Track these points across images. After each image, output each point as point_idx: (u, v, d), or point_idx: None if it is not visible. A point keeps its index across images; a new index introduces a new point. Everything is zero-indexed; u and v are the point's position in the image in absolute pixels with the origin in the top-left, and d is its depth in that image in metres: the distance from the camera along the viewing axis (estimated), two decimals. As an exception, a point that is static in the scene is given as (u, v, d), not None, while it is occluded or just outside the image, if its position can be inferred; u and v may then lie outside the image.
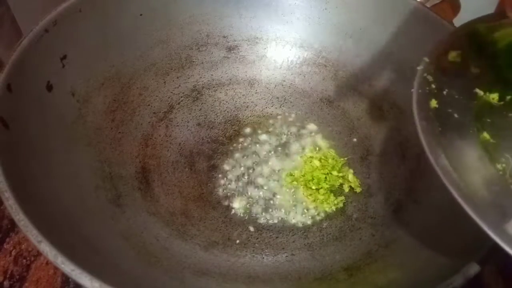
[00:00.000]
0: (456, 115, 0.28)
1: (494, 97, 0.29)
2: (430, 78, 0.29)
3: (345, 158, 0.42)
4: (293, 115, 0.46)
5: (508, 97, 0.29)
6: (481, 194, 0.24)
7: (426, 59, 0.30)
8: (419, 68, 0.30)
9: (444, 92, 0.28)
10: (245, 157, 0.42)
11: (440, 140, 0.26)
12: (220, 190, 0.40)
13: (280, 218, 0.39)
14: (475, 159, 0.26)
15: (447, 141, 0.26)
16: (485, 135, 0.27)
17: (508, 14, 0.30)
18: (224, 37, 0.48)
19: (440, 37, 0.40)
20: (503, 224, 0.22)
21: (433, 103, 0.28)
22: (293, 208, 0.39)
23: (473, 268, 0.27)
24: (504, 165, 0.26)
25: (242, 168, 0.42)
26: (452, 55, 0.30)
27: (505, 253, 0.22)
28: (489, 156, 0.26)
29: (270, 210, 0.39)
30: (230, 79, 0.47)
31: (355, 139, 0.44)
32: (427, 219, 0.36)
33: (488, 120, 0.28)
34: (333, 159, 0.42)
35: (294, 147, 0.43)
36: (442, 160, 0.25)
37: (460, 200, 0.23)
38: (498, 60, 0.30)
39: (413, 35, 0.42)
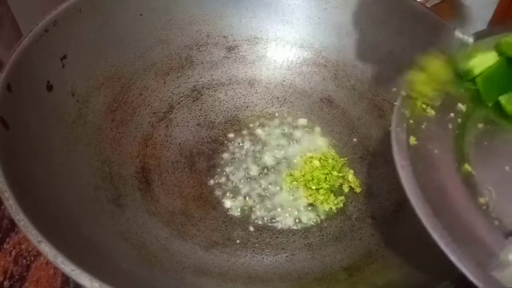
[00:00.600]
0: (436, 151, 0.27)
1: (473, 125, 0.29)
2: (407, 113, 0.28)
3: (345, 158, 0.42)
4: (293, 115, 0.46)
5: (488, 125, 0.29)
6: (464, 235, 0.23)
7: (403, 93, 0.29)
8: (396, 103, 0.29)
9: (423, 126, 0.28)
10: (245, 157, 0.42)
11: (421, 180, 0.25)
12: (220, 190, 0.40)
13: (280, 218, 0.39)
14: (457, 196, 0.25)
15: (428, 180, 0.25)
16: (467, 167, 0.26)
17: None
18: (224, 37, 0.48)
19: (439, 37, 0.40)
20: (488, 269, 0.22)
21: (412, 140, 0.27)
22: (293, 208, 0.39)
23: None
24: (487, 198, 0.25)
25: (242, 168, 0.42)
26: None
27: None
28: (471, 190, 0.25)
29: (270, 210, 0.39)
30: (230, 79, 0.47)
31: (355, 139, 0.44)
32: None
33: (469, 151, 0.27)
34: (333, 159, 0.42)
35: (294, 147, 0.43)
36: (423, 202, 0.24)
37: (442, 246, 0.23)
38: (475, 88, 0.30)
39: (413, 35, 0.42)
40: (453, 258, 0.22)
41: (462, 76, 0.31)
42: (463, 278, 0.27)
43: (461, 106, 0.30)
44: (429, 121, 0.28)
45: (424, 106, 0.29)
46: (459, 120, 0.29)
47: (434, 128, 0.28)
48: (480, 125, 0.29)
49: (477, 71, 0.30)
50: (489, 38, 0.32)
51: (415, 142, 0.27)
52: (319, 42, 0.47)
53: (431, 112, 0.29)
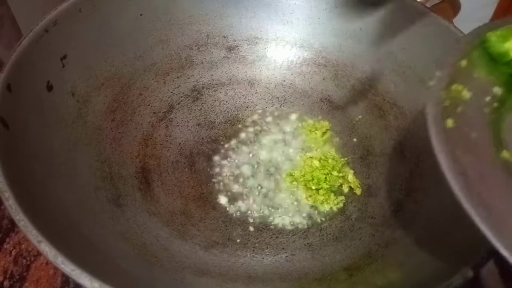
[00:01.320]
0: (474, 134, 0.25)
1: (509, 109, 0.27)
2: (442, 94, 0.27)
3: (345, 158, 0.42)
4: (293, 115, 0.46)
5: None
6: (506, 224, 0.22)
7: (438, 73, 0.28)
8: (431, 83, 0.27)
9: (459, 109, 0.26)
10: (245, 158, 0.42)
11: (461, 166, 0.24)
12: (220, 190, 0.40)
13: (280, 218, 0.39)
14: (498, 184, 0.24)
15: (468, 166, 0.24)
16: (505, 153, 0.25)
17: None
18: (224, 37, 0.48)
19: (439, 37, 0.40)
20: None
21: (449, 122, 0.25)
22: (293, 208, 0.39)
23: (472, 270, 0.27)
24: None
25: (242, 168, 0.42)
26: (463, 65, 0.28)
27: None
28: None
29: (270, 210, 0.39)
30: (230, 79, 0.47)
31: (355, 139, 0.44)
32: (427, 219, 0.36)
33: (506, 137, 0.26)
34: (333, 159, 0.42)
35: (294, 147, 0.43)
36: (466, 189, 0.23)
37: (488, 234, 0.22)
38: (511, 72, 0.28)
39: (413, 35, 0.42)
40: (493, 241, 0.21)
41: (496, 59, 0.29)
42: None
43: (498, 90, 0.28)
44: (464, 104, 0.27)
45: (459, 88, 0.27)
46: (495, 104, 0.27)
47: (470, 112, 0.26)
48: None
49: None
50: None
51: (452, 125, 0.25)
52: (319, 42, 0.47)
53: (466, 95, 0.27)
